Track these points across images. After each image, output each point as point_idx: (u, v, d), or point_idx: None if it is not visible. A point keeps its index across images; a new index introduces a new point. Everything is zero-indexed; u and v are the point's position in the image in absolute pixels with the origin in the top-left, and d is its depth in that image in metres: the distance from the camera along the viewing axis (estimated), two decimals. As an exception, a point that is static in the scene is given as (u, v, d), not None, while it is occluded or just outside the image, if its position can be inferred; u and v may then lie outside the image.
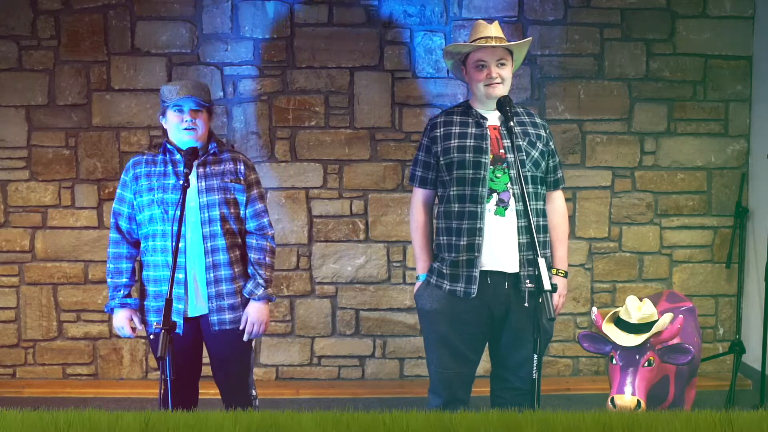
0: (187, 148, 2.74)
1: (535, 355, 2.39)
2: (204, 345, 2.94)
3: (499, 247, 2.73)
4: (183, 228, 2.70)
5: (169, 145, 2.81)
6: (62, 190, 4.10)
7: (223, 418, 1.72)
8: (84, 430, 1.64)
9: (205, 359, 2.98)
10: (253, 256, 2.88)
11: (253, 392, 2.98)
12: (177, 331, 2.74)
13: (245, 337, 2.84)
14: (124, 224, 2.85)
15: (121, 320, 2.84)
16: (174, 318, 2.73)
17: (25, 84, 4.06)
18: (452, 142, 2.81)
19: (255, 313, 2.84)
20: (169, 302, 2.49)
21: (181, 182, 2.69)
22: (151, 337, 2.82)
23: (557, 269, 2.90)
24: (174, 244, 2.62)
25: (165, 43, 4.06)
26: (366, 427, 1.68)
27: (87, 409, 1.77)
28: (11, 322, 4.17)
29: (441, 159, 2.84)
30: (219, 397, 3.02)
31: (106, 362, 4.19)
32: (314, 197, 4.15)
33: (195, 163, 2.75)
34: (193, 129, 2.74)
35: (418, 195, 2.95)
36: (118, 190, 2.87)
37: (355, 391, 4.05)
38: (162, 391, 2.53)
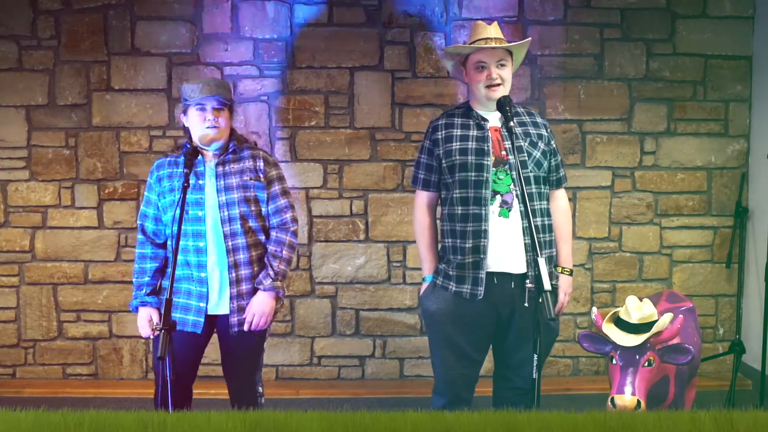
0: (187, 149, 2.75)
1: (535, 355, 2.38)
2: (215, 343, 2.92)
3: (504, 248, 2.73)
4: (204, 227, 2.74)
5: (189, 146, 2.81)
6: (62, 190, 4.10)
7: (223, 418, 1.72)
8: (84, 430, 1.64)
9: (206, 359, 2.97)
10: (270, 248, 2.85)
11: (260, 389, 2.98)
12: (195, 330, 2.75)
13: (245, 327, 2.78)
14: (150, 226, 2.86)
15: (141, 319, 2.83)
16: (194, 316, 2.76)
17: (25, 84, 4.06)
18: (454, 144, 2.81)
19: (258, 304, 2.79)
20: (168, 302, 2.49)
21: (201, 182, 2.74)
22: (152, 336, 2.82)
23: (562, 267, 2.90)
24: (174, 244, 2.63)
25: (165, 43, 4.06)
26: (367, 427, 1.68)
27: (87, 409, 1.77)
28: (11, 322, 4.17)
29: (443, 161, 2.83)
30: (219, 397, 3.03)
31: (106, 362, 4.19)
32: (314, 197, 4.15)
33: (214, 162, 2.78)
34: (215, 127, 2.76)
35: (422, 197, 2.94)
36: (145, 193, 2.89)
37: (355, 391, 4.04)
38: (158, 391, 2.53)
